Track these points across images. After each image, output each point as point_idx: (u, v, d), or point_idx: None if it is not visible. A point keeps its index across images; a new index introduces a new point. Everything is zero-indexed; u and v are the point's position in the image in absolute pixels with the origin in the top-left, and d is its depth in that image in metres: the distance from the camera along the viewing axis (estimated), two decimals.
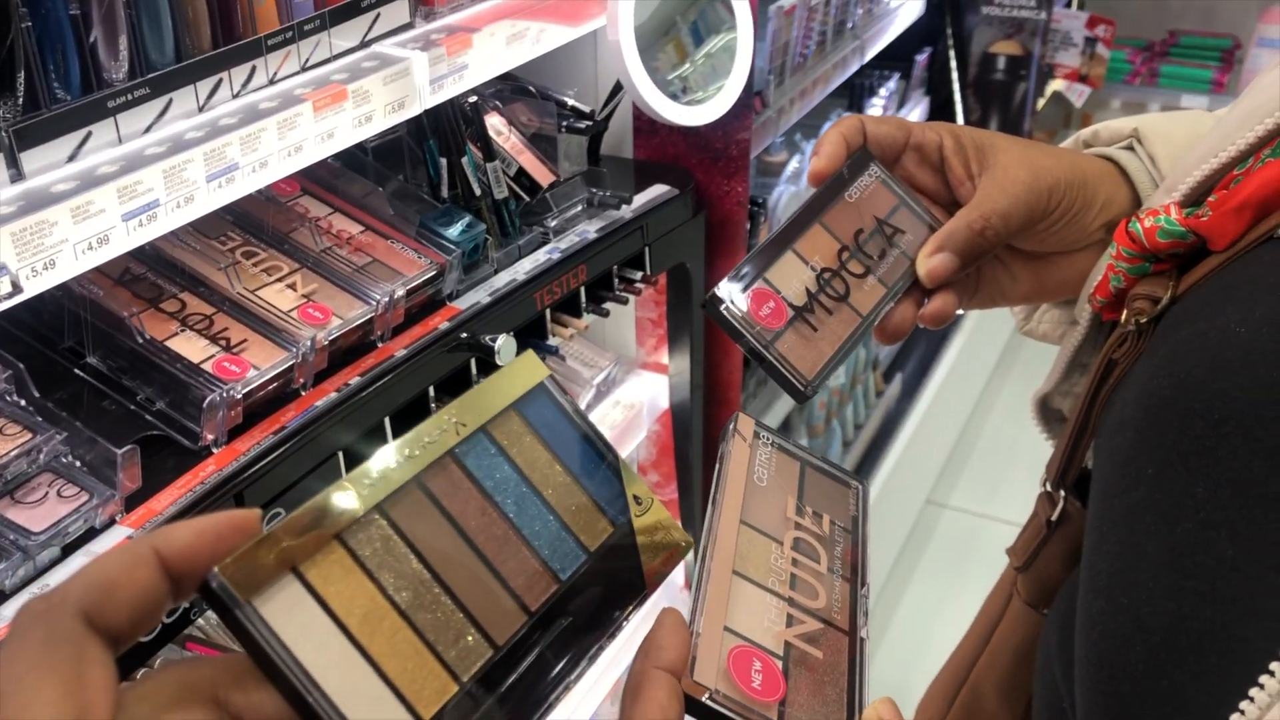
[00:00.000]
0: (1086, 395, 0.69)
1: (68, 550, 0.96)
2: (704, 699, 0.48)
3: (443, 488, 0.47)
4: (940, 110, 2.89)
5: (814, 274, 0.70)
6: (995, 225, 0.72)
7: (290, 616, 0.40)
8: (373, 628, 0.42)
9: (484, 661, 0.45)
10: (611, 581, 0.50)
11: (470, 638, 0.45)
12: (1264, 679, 0.42)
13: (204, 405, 1.04)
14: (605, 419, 1.75)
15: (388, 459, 0.46)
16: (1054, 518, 0.75)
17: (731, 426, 0.62)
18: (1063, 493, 0.75)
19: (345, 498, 0.44)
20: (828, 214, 0.73)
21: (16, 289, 0.86)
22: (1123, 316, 0.66)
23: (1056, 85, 3.45)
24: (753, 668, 0.51)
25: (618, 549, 0.52)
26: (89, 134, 0.95)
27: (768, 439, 0.63)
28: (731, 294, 0.66)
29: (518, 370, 0.53)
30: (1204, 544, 0.47)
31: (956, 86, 2.85)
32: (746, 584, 0.54)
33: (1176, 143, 0.75)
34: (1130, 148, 0.77)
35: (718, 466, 0.60)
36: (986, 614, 0.86)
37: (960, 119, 2.86)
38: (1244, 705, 0.43)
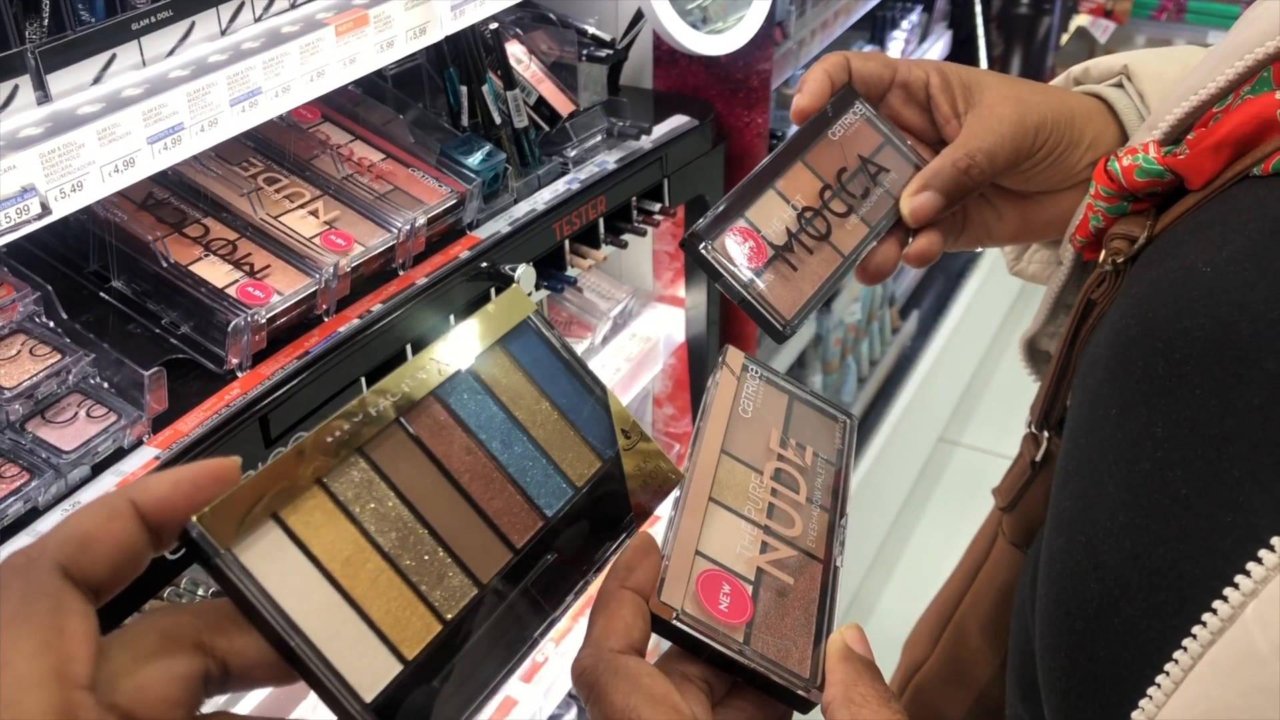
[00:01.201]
0: (1066, 335, 0.68)
1: (98, 469, 0.98)
2: (670, 619, 0.49)
3: (426, 428, 0.47)
4: (963, 45, 2.85)
5: (795, 213, 0.69)
6: (980, 163, 0.71)
7: (271, 562, 0.40)
8: (355, 570, 0.43)
9: (469, 600, 0.45)
10: (599, 516, 0.51)
11: (454, 577, 0.45)
12: (1207, 617, 0.42)
13: (228, 329, 1.05)
14: (621, 351, 1.76)
15: (370, 401, 0.46)
16: (1038, 458, 0.75)
17: (721, 359, 0.62)
18: (1046, 433, 0.74)
19: (326, 441, 0.44)
20: (810, 152, 0.72)
21: (45, 210, 0.87)
22: (1100, 256, 0.65)
23: (1081, 20, 3.39)
24: (721, 590, 0.51)
25: (605, 483, 0.52)
26: (113, 56, 0.95)
27: (756, 372, 0.63)
28: (711, 232, 0.65)
29: (503, 306, 0.53)
30: (1161, 483, 0.47)
31: (979, 20, 2.81)
32: (722, 510, 0.55)
33: (1167, 80, 0.73)
34: (1120, 85, 0.76)
35: (704, 397, 0.60)
36: (972, 554, 0.86)
37: (983, 53, 2.83)
38: (1186, 643, 0.43)
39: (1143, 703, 0.44)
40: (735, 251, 0.65)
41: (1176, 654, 0.43)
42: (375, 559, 0.43)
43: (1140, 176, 0.63)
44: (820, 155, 0.72)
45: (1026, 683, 0.65)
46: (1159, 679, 0.44)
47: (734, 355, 0.62)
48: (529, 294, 1.32)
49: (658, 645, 0.49)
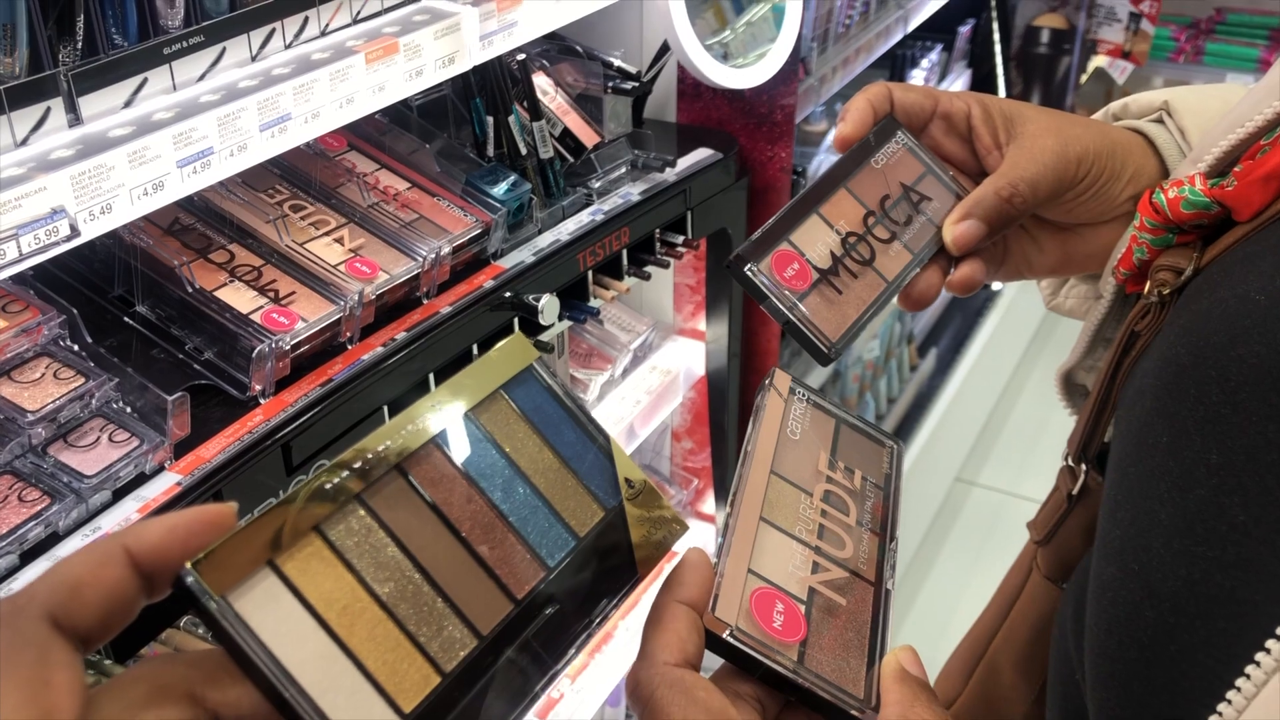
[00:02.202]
0: (1108, 368, 0.68)
1: (119, 494, 0.97)
2: (724, 635, 0.48)
3: (426, 475, 0.47)
4: (982, 83, 2.86)
5: (839, 238, 0.70)
6: (1023, 192, 0.71)
7: (266, 611, 0.39)
8: (352, 620, 0.42)
9: (468, 652, 0.44)
10: (602, 568, 0.49)
11: (454, 628, 0.44)
12: (1270, 643, 0.42)
13: (253, 355, 1.05)
14: (642, 384, 1.75)
15: (370, 446, 0.45)
16: (1075, 491, 0.75)
17: (768, 381, 0.62)
18: (1084, 466, 0.74)
19: (325, 487, 0.43)
20: (853, 179, 0.72)
21: (75, 232, 0.86)
22: (1145, 288, 0.65)
23: (1099, 61, 3.40)
24: (775, 609, 0.51)
25: (608, 534, 0.51)
26: (145, 80, 0.96)
27: (803, 395, 0.63)
28: (755, 254, 0.65)
29: (506, 353, 0.52)
30: (1217, 510, 0.47)
31: (999, 59, 2.82)
32: (773, 530, 0.55)
33: (1207, 116, 0.74)
34: (1160, 120, 0.76)
35: (752, 418, 0.60)
36: (1006, 589, 0.85)
37: (1002, 92, 2.83)
38: (1249, 669, 0.42)
39: None
40: (780, 274, 0.65)
41: (1239, 681, 0.43)
42: (373, 608, 0.42)
43: (1187, 209, 0.63)
44: (863, 182, 0.72)
45: (1070, 715, 0.64)
46: (1220, 707, 0.43)
47: (781, 378, 0.62)
48: (551, 325, 1.32)
49: (709, 663, 0.48)
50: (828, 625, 0.52)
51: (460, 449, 0.48)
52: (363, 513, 0.44)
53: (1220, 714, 0.43)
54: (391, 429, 0.46)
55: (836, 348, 0.66)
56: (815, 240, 0.68)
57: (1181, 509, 0.49)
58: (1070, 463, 0.76)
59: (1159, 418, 0.54)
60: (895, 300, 0.72)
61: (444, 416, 0.48)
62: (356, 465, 0.44)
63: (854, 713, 0.48)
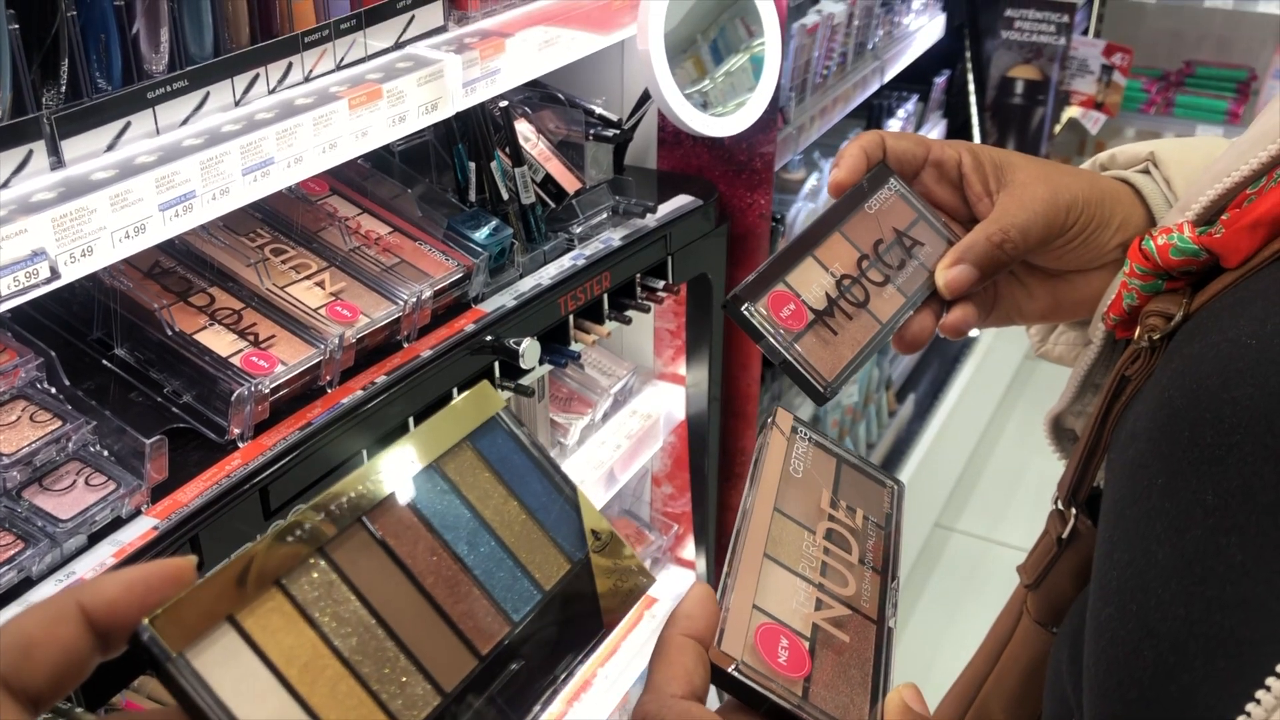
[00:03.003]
0: (1099, 412, 0.69)
1: (94, 538, 0.96)
2: (730, 669, 0.49)
3: (390, 528, 0.46)
4: (958, 133, 2.90)
5: (834, 280, 0.71)
6: (1014, 238, 0.73)
7: (226, 668, 0.39)
8: (313, 677, 0.41)
9: (431, 710, 0.43)
10: (567, 621, 0.49)
11: (417, 685, 0.44)
12: (1270, 680, 0.42)
13: (231, 399, 1.04)
14: (622, 428, 1.75)
15: (332, 498, 0.45)
16: (1064, 535, 0.76)
17: (771, 420, 0.63)
18: (1074, 510, 0.75)
19: (286, 540, 0.42)
20: (847, 224, 0.74)
21: (55, 274, 0.86)
22: (1136, 333, 0.66)
23: (1072, 112, 3.46)
24: (779, 644, 0.51)
25: (574, 586, 0.50)
26: (128, 124, 0.96)
27: (805, 434, 0.64)
28: (752, 294, 0.67)
29: (471, 402, 0.52)
30: (1214, 550, 0.47)
31: (974, 110, 2.86)
32: (777, 567, 0.55)
33: (1192, 166, 0.76)
34: (1146, 171, 0.78)
35: (754, 456, 0.61)
36: (996, 633, 0.86)
37: (977, 142, 2.87)
38: (1250, 707, 0.43)
39: None
40: (776, 314, 0.67)
41: (1239, 719, 0.43)
42: (334, 665, 0.42)
43: (1176, 255, 0.65)
44: (857, 227, 0.73)
45: None
46: None
47: (783, 417, 0.63)
48: (531, 368, 1.32)
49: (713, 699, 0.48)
50: (831, 661, 0.52)
51: (425, 501, 0.48)
52: (325, 566, 0.43)
53: None
54: (355, 480, 0.46)
55: (832, 387, 0.67)
56: (811, 282, 0.69)
57: (1179, 549, 0.50)
58: (1060, 506, 0.77)
59: (1154, 460, 0.55)
60: (890, 342, 0.73)
61: (409, 467, 0.48)
62: (319, 518, 0.44)
63: None
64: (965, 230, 0.76)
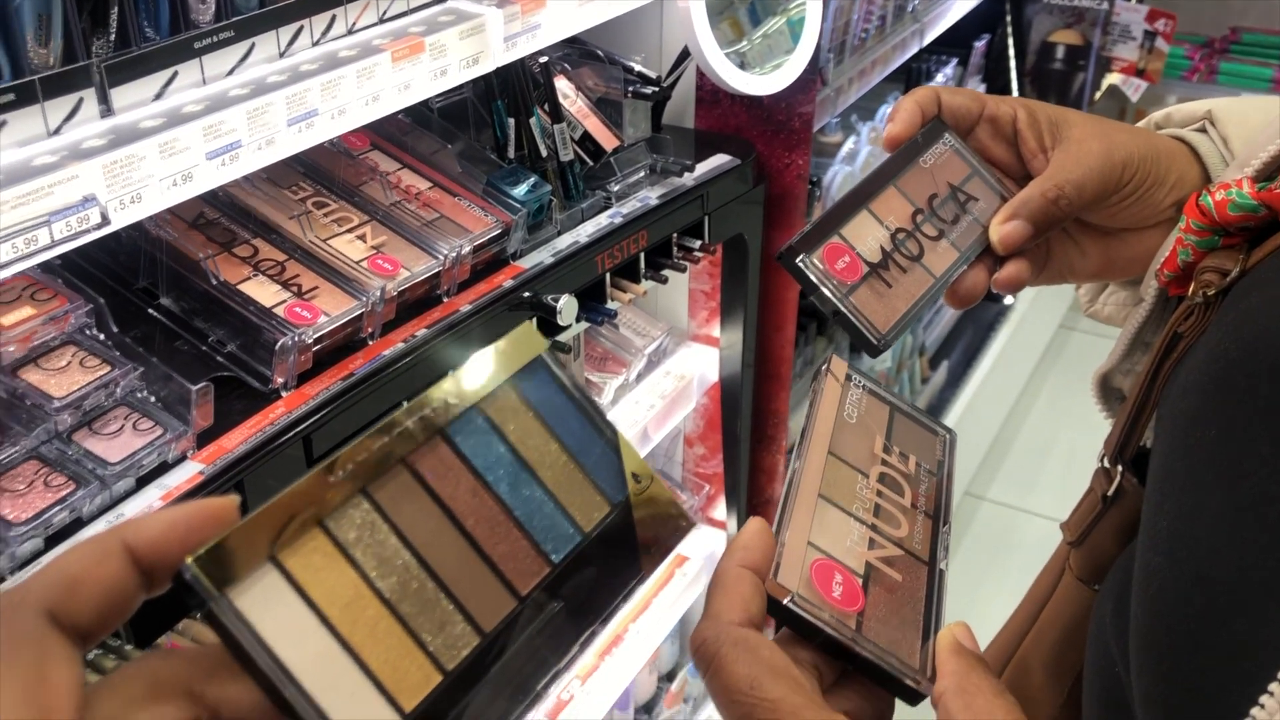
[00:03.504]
0: (1149, 369, 0.69)
1: (142, 482, 0.97)
2: (785, 600, 0.49)
3: (432, 468, 0.46)
4: None
5: (889, 234, 0.71)
6: (1069, 194, 0.72)
7: (267, 607, 0.39)
8: (354, 617, 0.41)
9: (470, 650, 0.43)
10: (607, 563, 0.49)
11: (456, 625, 0.44)
12: None
13: (275, 348, 1.06)
14: (656, 388, 1.75)
15: (375, 439, 0.44)
16: (1109, 493, 0.76)
17: (824, 367, 0.63)
18: (1119, 468, 0.75)
19: (328, 481, 0.42)
20: (902, 178, 0.74)
21: (105, 220, 0.87)
22: (1190, 290, 0.66)
23: (1113, 79, 3.41)
24: (834, 580, 0.52)
25: (614, 529, 0.50)
26: (175, 74, 0.97)
27: (859, 382, 0.64)
28: (807, 246, 0.67)
29: (514, 343, 0.51)
30: (1268, 498, 0.48)
31: (1014, 74, 2.83)
32: (831, 507, 0.56)
33: (1250, 125, 0.75)
34: (1203, 129, 0.77)
35: (809, 401, 0.62)
36: (1036, 591, 0.86)
37: None
38: None
39: (1254, 711, 0.44)
40: (831, 266, 0.67)
41: None
42: (375, 605, 0.42)
43: (1233, 211, 0.65)
44: (911, 181, 0.74)
45: (1111, 708, 0.65)
46: (1272, 687, 0.44)
47: (838, 364, 0.64)
48: (569, 325, 1.32)
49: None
50: (884, 599, 0.53)
51: (467, 442, 0.47)
52: (367, 506, 0.43)
53: (1272, 693, 0.44)
54: (397, 421, 0.45)
55: (886, 339, 0.67)
56: (865, 235, 0.70)
57: (1231, 499, 0.50)
58: (1106, 464, 0.77)
59: (1207, 411, 0.55)
60: (942, 297, 0.74)
61: (451, 407, 0.47)
62: (361, 458, 0.43)
63: (909, 682, 0.49)
64: (1019, 186, 0.76)
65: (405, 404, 0.46)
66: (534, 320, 1.31)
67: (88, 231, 0.87)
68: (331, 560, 0.41)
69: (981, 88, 2.81)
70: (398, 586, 0.43)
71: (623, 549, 0.50)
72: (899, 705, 0.52)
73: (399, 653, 0.42)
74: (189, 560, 0.37)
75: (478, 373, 0.49)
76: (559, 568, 0.47)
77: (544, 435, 0.50)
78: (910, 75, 2.60)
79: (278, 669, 0.38)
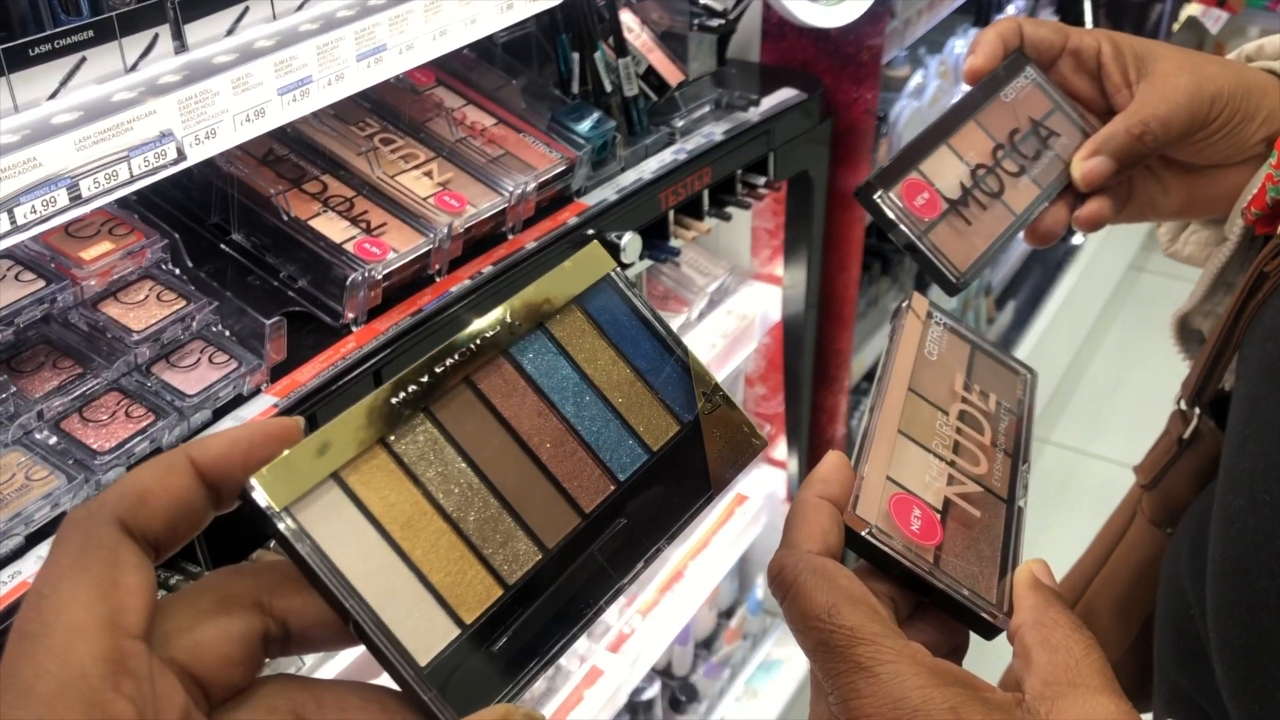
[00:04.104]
0: (1232, 310, 0.68)
1: (218, 414, 1.00)
2: (863, 533, 0.49)
3: (496, 388, 0.46)
4: None
5: (968, 169, 0.70)
6: (1154, 130, 0.71)
7: (330, 524, 0.39)
8: (415, 532, 0.41)
9: (532, 565, 0.44)
10: (675, 483, 0.49)
11: (519, 542, 0.44)
12: None
13: (346, 284, 1.07)
14: (717, 327, 1.75)
15: (438, 359, 0.44)
16: (1186, 436, 0.75)
17: (905, 304, 0.63)
18: (1197, 411, 0.74)
19: (390, 401, 0.42)
20: (982, 112, 0.73)
21: (181, 155, 0.89)
22: (1278, 229, 0.64)
23: (1192, 10, 3.29)
24: (912, 514, 0.52)
25: (683, 448, 0.50)
26: (246, 9, 0.97)
27: (940, 319, 0.64)
28: (885, 182, 0.66)
29: (581, 263, 0.50)
30: None
31: (1088, 4, 2.74)
32: (910, 443, 0.55)
33: None
34: None
35: (889, 338, 0.61)
36: (1107, 534, 0.85)
37: None
38: None
39: None
40: (910, 202, 0.66)
41: None
42: (437, 521, 0.42)
43: None
44: (992, 116, 0.72)
45: (1185, 650, 0.65)
46: None
47: (919, 301, 0.63)
48: (632, 264, 1.32)
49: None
50: (962, 534, 0.52)
51: (532, 361, 0.47)
52: (429, 425, 0.43)
53: None
54: (461, 341, 0.45)
55: (965, 278, 0.66)
56: (945, 171, 0.69)
57: None
58: (1183, 407, 0.75)
59: None
60: (1021, 235, 0.73)
61: (516, 327, 0.47)
62: (424, 379, 0.43)
63: (986, 616, 0.49)
64: (1102, 122, 0.74)
65: (470, 326, 0.46)
66: (628, 244, 1.30)
67: (165, 166, 0.88)
68: (393, 478, 0.42)
69: (1054, 18, 2.73)
70: (460, 503, 0.43)
71: (692, 468, 0.49)
72: (975, 642, 0.52)
73: (460, 567, 0.42)
74: (253, 478, 0.38)
75: (543, 293, 0.49)
76: (625, 485, 0.47)
77: (611, 355, 0.50)
78: (980, 7, 2.52)
79: (340, 582, 0.39)
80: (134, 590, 0.35)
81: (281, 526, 0.38)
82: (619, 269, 0.51)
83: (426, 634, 0.40)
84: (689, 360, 0.51)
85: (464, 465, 0.44)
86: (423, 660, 0.40)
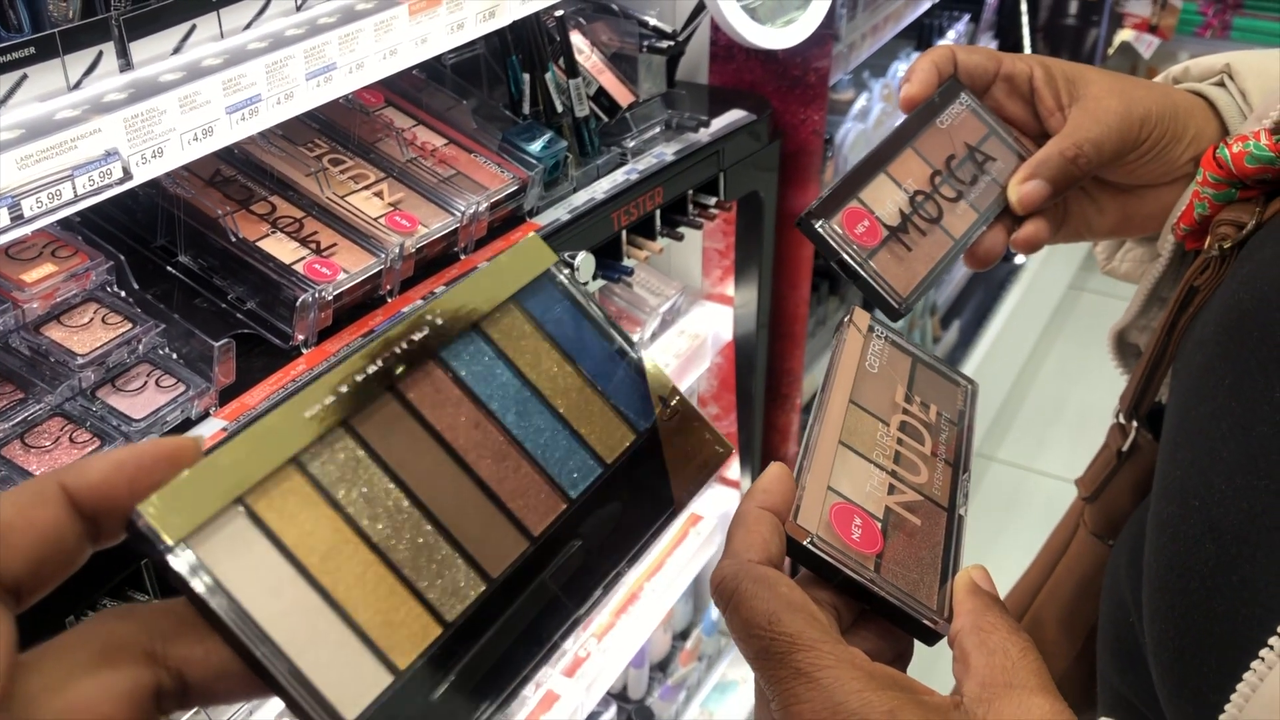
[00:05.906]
0: (1165, 324, 0.69)
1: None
2: (805, 542, 0.50)
3: (426, 397, 0.41)
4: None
5: (907, 196, 0.71)
6: (1087, 153, 0.72)
7: (235, 558, 0.34)
8: (337, 566, 0.36)
9: (475, 598, 0.39)
10: (633, 498, 0.44)
11: (458, 572, 0.39)
12: None
13: (296, 305, 1.05)
14: (670, 347, 1.75)
15: (358, 365, 0.39)
16: (1125, 448, 0.76)
17: (846, 318, 0.63)
18: (1134, 424, 0.75)
19: (302, 415, 0.37)
20: (919, 139, 0.74)
21: (127, 175, 0.87)
22: (1206, 243, 0.66)
23: (1125, 35, 3.38)
24: (853, 523, 0.52)
25: (640, 460, 0.45)
26: (193, 27, 0.96)
27: (881, 333, 0.64)
28: (826, 211, 0.67)
29: (520, 257, 0.45)
30: (1279, 446, 0.48)
31: (1026, 30, 2.80)
32: (851, 454, 0.56)
33: (1269, 78, 0.74)
34: (1221, 84, 0.77)
35: (830, 352, 0.62)
36: (1051, 547, 0.87)
37: None
38: None
39: (1263, 653, 0.45)
40: (851, 230, 0.67)
41: None
42: (362, 552, 0.37)
43: (1251, 163, 0.65)
44: (929, 142, 0.74)
45: (1124, 656, 0.66)
46: None
47: (860, 315, 0.64)
48: (585, 284, 1.32)
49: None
50: (903, 542, 0.53)
51: (465, 366, 0.42)
52: (350, 441, 0.38)
53: None
54: (382, 345, 0.40)
55: (907, 303, 0.67)
56: (884, 198, 0.70)
57: (1244, 446, 0.50)
58: (1121, 420, 0.77)
59: (1221, 361, 0.55)
60: (961, 259, 0.74)
61: (446, 329, 0.42)
62: (342, 388, 0.38)
63: (927, 622, 0.50)
64: (1037, 145, 0.76)
65: (393, 327, 0.41)
66: (581, 263, 1.30)
67: (110, 186, 0.86)
68: (309, 504, 0.37)
69: (994, 44, 2.79)
70: (389, 531, 0.38)
71: (652, 481, 0.45)
72: (927, 652, 0.52)
73: (391, 604, 0.37)
74: (140, 507, 0.33)
75: (478, 290, 0.44)
76: (577, 504, 0.43)
77: (556, 359, 0.45)
78: (922, 31, 2.57)
79: (247, 625, 0.34)
80: None
81: (174, 561, 0.33)
82: (561, 263, 0.47)
83: (353, 683, 0.35)
84: (643, 363, 0.47)
85: (391, 486, 0.39)
86: (349, 714, 0.35)
